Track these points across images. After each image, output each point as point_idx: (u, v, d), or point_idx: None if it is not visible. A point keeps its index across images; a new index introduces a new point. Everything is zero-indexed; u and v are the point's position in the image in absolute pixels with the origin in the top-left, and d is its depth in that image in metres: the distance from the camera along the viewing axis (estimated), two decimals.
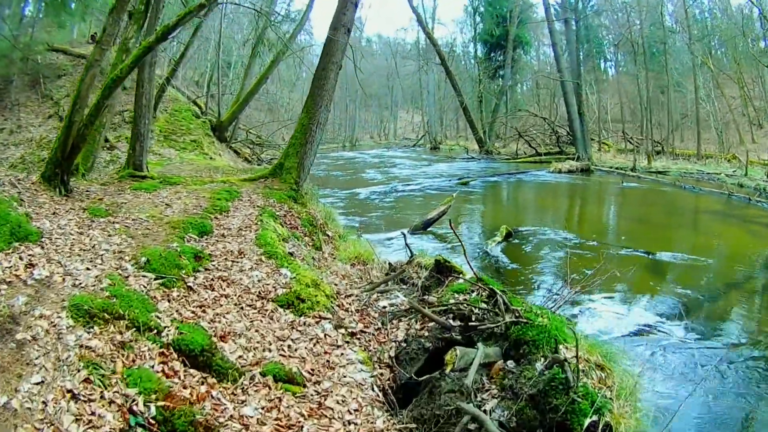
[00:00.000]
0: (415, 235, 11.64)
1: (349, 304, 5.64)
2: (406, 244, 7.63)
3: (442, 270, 5.75)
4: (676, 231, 13.08)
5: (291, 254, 6.74)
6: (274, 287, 5.36)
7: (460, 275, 5.60)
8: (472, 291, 5.10)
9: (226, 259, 5.94)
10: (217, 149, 20.95)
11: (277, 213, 8.74)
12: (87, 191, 8.13)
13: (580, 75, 28.55)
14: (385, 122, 67.22)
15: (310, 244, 8.55)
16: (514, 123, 36.59)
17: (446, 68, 38.31)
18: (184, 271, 5.03)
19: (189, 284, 4.89)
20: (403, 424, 3.70)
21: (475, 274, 5.20)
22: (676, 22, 37.05)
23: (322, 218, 10.08)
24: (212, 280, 5.24)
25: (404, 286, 6.04)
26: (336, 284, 6.45)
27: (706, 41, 35.33)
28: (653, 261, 9.69)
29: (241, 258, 6.03)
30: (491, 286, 4.86)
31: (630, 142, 33.11)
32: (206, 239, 6.48)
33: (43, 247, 4.74)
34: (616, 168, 25.38)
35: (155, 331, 3.71)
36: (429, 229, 12.14)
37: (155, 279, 4.58)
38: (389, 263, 7.36)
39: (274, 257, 6.11)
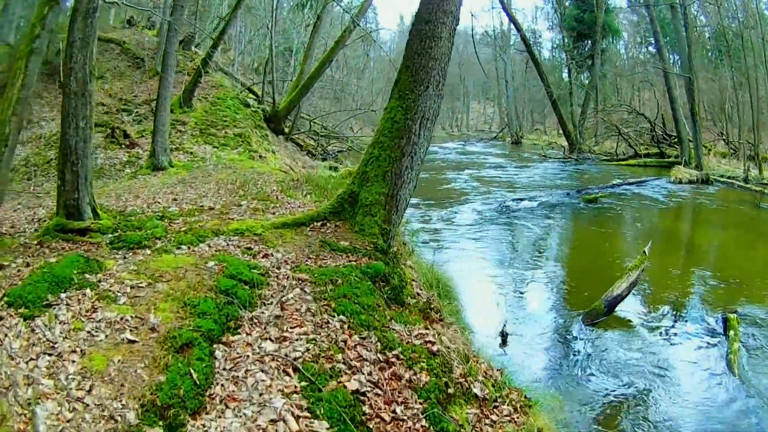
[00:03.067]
0: (597, 326, 6.39)
1: None
2: None
3: None
4: None
5: None
6: None
7: None
8: None
9: None
10: (270, 144, 16.46)
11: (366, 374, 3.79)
12: None
13: (692, 69, 23.30)
14: (457, 113, 64.30)
15: None
16: (604, 119, 32.50)
17: (532, 56, 34.06)
18: None
19: None
20: None
21: None
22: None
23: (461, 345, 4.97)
24: None
25: None
26: None
27: None
28: None
29: None
30: None
31: (729, 145, 27.76)
32: None
33: None
34: (731, 178, 20.61)
35: None
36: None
37: None
38: None
39: None
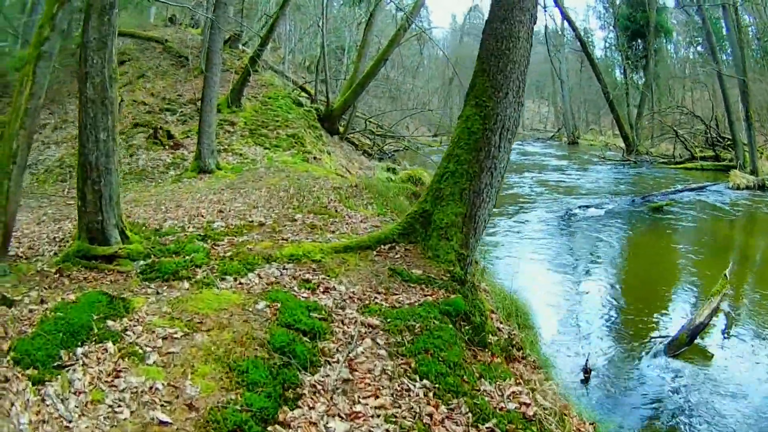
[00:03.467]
0: (680, 357, 5.79)
1: None
2: None
3: None
4: None
5: None
6: None
7: None
8: None
9: None
10: (324, 144, 15.69)
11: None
12: None
13: (745, 70, 21.82)
14: None
15: None
16: (660, 120, 31.30)
17: (588, 56, 33.06)
18: None
19: None
20: None
21: None
22: None
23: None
24: None
25: None
26: None
27: None
28: None
29: None
30: None
31: None
32: None
33: None
34: None
35: None
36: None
37: None
38: None
39: None
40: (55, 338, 2.97)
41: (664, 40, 37.75)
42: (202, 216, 6.45)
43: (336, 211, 6.83)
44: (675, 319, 6.78)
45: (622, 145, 30.94)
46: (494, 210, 12.25)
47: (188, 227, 5.81)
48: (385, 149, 20.94)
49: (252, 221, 6.12)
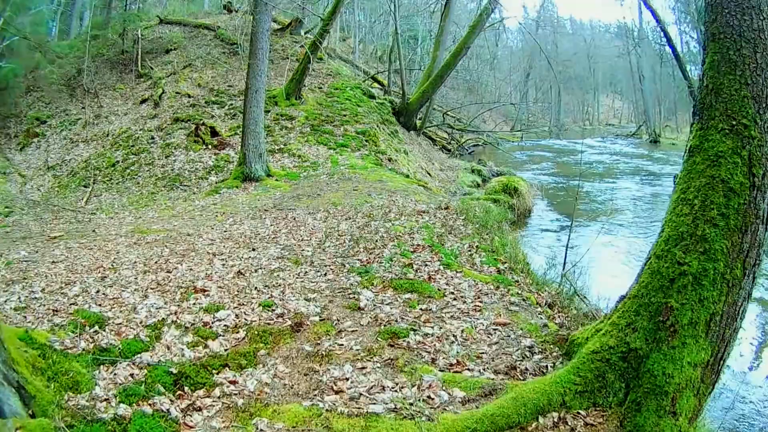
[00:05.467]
0: None
1: None
2: None
3: None
4: None
5: None
6: None
7: None
8: None
9: None
10: (400, 142, 12.97)
11: None
12: None
13: None
14: (587, 106, 61.23)
15: None
16: None
17: (674, 51, 28.41)
18: None
19: None
20: None
21: None
22: None
23: None
24: None
25: None
26: None
27: None
28: None
29: None
30: None
31: None
32: None
33: None
34: None
35: None
36: None
37: None
38: None
39: None
40: None
41: None
42: (207, 292, 3.86)
43: (429, 278, 4.15)
44: None
45: None
46: (617, 235, 9.02)
47: (167, 331, 3.16)
48: (464, 144, 18.91)
49: (285, 312, 3.50)
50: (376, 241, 4.99)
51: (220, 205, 7.54)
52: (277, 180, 8.92)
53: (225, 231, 5.76)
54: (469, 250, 4.85)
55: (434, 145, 16.94)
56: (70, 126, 11.93)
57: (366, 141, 11.39)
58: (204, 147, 10.10)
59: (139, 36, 14.71)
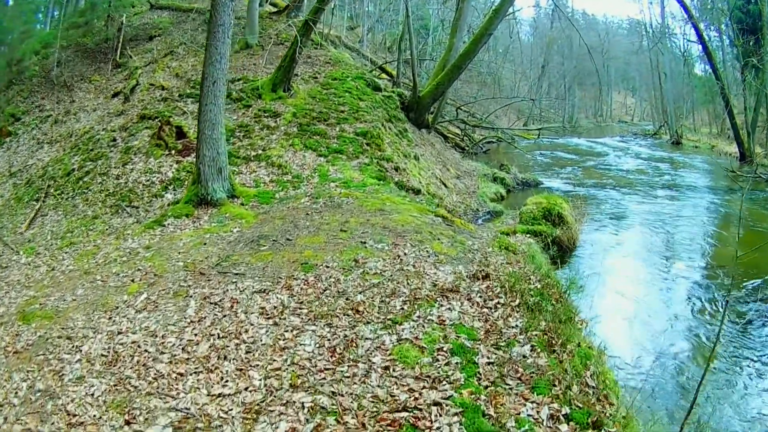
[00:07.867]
0: None
1: None
2: None
3: None
4: None
5: None
6: None
7: None
8: None
9: None
10: (410, 144, 11.10)
11: None
12: None
13: None
14: (600, 102, 61.21)
15: None
16: None
17: (706, 49, 27.30)
18: None
19: None
20: None
21: None
22: None
23: None
24: None
25: None
26: None
27: None
28: None
29: None
30: None
31: None
32: None
33: None
34: None
35: None
36: None
37: None
38: None
39: None
40: None
41: None
42: None
43: None
44: None
45: (728, 149, 27.62)
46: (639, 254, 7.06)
47: None
48: (477, 140, 17.92)
49: None
50: (365, 415, 2.91)
51: (150, 254, 5.66)
52: (242, 204, 7.02)
53: (114, 337, 3.95)
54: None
55: (446, 141, 15.34)
56: (41, 124, 10.53)
57: (367, 145, 9.44)
58: (166, 152, 8.29)
59: (124, 22, 13.07)
